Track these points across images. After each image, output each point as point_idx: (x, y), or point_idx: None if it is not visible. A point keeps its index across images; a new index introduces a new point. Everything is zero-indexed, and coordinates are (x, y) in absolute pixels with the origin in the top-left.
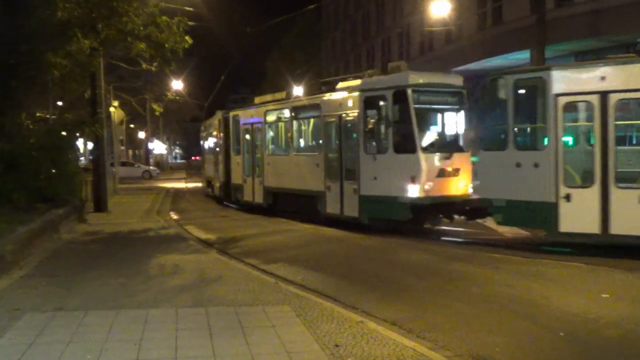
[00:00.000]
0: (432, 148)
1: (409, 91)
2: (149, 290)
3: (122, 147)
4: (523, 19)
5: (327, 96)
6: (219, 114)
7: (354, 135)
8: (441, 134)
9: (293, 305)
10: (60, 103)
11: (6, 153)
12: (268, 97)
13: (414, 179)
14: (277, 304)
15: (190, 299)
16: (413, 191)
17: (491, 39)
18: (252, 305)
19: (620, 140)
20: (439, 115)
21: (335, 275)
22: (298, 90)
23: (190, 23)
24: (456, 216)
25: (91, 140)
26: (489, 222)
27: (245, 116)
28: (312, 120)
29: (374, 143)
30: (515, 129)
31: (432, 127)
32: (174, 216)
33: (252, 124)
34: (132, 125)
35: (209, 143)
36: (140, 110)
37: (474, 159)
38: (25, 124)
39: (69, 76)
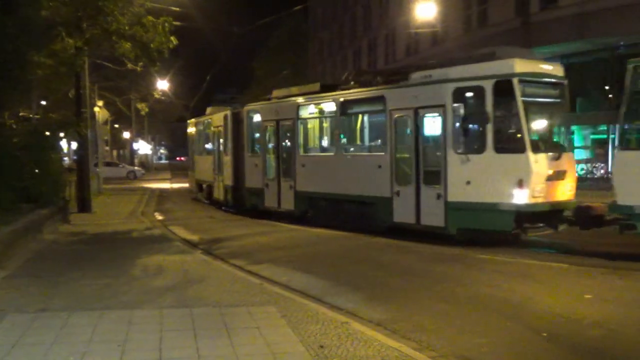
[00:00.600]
0: (541, 147)
1: (516, 81)
2: (133, 291)
3: (107, 147)
4: (508, 21)
5: (397, 87)
6: (225, 110)
7: (438, 132)
8: (548, 132)
9: (278, 306)
10: (44, 102)
11: None
12: (294, 90)
13: (521, 183)
14: (262, 305)
15: (175, 299)
16: (520, 197)
17: (477, 41)
18: (237, 306)
19: None
20: (544, 110)
21: (321, 276)
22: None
23: (176, 23)
24: (562, 226)
25: (75, 140)
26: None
27: (268, 112)
28: (371, 115)
29: (466, 142)
30: None
31: (539, 123)
32: (159, 217)
33: (278, 120)
34: (116, 125)
35: (205, 142)
36: (125, 110)
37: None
38: (8, 123)
39: (53, 75)
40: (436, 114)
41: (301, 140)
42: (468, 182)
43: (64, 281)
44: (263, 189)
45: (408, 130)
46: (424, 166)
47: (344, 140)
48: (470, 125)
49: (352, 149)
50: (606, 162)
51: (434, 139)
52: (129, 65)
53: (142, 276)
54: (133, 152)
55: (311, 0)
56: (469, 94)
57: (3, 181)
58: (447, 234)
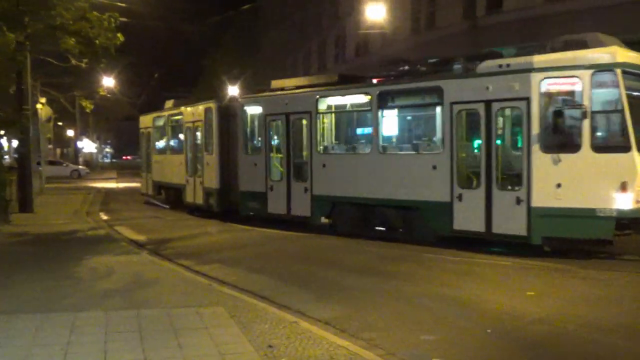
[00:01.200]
0: None
1: (619, 72)
2: (77, 293)
3: (50, 146)
4: (456, 24)
5: (460, 77)
6: (206, 103)
7: (517, 128)
8: None
9: (227, 306)
10: None
11: None
12: (303, 81)
13: (624, 186)
14: (211, 306)
15: (121, 301)
16: (623, 202)
17: (425, 43)
18: (185, 307)
19: None
20: None
21: (271, 275)
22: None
23: (123, 19)
24: None
25: (16, 138)
26: None
27: (273, 104)
28: (420, 109)
29: (557, 139)
30: None
31: None
32: (104, 217)
33: (287, 114)
34: (60, 123)
35: (169, 139)
36: (70, 107)
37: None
38: None
39: None
40: (517, 108)
41: (321, 136)
42: (558, 185)
43: (5, 284)
44: (266, 193)
45: (475, 126)
46: (499, 167)
47: (383, 138)
48: (563, 121)
49: (393, 147)
50: None
51: (513, 135)
52: (74, 62)
53: (87, 278)
54: (77, 151)
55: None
56: (561, 86)
57: None
58: (531, 243)
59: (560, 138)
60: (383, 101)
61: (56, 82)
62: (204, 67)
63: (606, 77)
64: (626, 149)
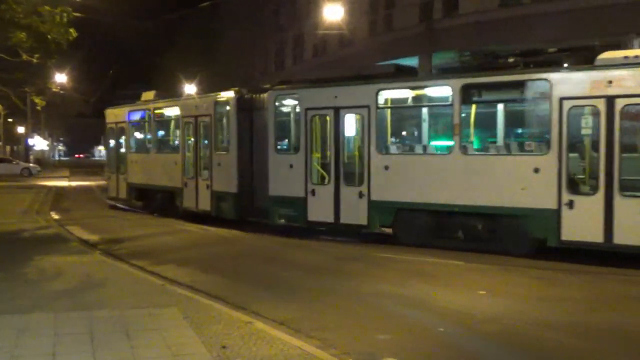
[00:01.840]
0: None
1: None
2: (26, 295)
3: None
4: (413, 27)
5: (573, 70)
6: (216, 96)
7: None
8: None
9: (181, 307)
10: None
11: None
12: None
13: None
14: (165, 307)
15: (71, 302)
16: None
17: (383, 44)
18: (138, 308)
19: None
20: None
21: (226, 276)
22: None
23: (76, 14)
24: None
25: None
26: None
27: (316, 97)
28: (517, 105)
29: None
30: None
31: None
32: (55, 216)
33: (337, 108)
34: (10, 120)
35: (154, 135)
36: (20, 104)
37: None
38: None
39: None
40: None
41: (383, 134)
42: None
43: None
44: (305, 198)
45: (593, 125)
46: (624, 170)
47: (467, 136)
48: None
49: (482, 146)
50: None
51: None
52: (25, 57)
53: (37, 279)
54: (28, 148)
55: None
56: None
57: None
58: None
59: None
60: (469, 95)
61: (6, 78)
62: (159, 65)
63: None
64: None
